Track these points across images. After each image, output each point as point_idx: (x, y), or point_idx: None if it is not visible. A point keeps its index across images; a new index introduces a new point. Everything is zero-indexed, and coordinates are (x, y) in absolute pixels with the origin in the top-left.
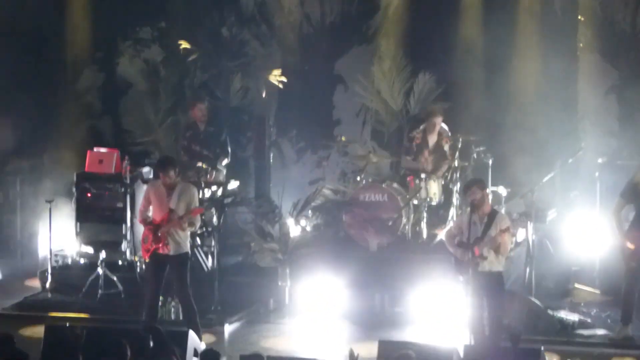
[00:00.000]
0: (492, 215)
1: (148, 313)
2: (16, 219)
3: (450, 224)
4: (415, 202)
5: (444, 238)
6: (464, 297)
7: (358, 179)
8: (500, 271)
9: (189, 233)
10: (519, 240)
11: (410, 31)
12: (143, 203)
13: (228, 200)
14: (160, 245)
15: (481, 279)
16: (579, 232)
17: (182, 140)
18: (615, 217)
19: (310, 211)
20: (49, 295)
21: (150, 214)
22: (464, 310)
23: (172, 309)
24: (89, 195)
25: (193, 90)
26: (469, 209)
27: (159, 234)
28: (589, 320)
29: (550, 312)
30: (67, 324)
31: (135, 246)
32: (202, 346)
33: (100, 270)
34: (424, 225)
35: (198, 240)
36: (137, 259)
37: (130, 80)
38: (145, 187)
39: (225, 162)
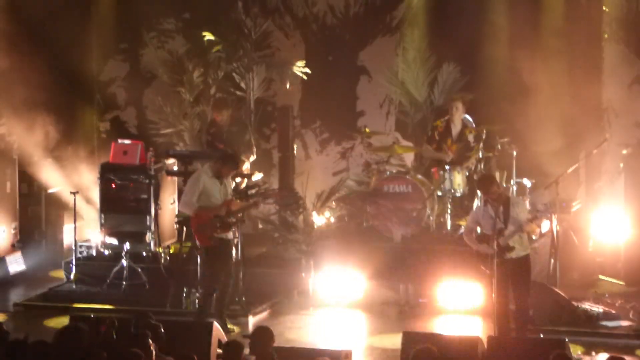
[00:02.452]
0: (506, 202)
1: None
2: (41, 210)
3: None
4: (440, 193)
5: (464, 236)
6: (488, 288)
7: (382, 170)
8: (527, 254)
9: None
10: (543, 231)
11: (434, 21)
12: (194, 192)
13: (252, 191)
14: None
15: (508, 266)
16: (604, 223)
17: (205, 135)
18: None
19: (334, 202)
20: (74, 286)
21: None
22: (489, 301)
23: (197, 300)
24: (113, 186)
25: (217, 81)
26: (480, 203)
27: (229, 221)
28: (613, 311)
29: (574, 303)
30: (92, 315)
31: (160, 237)
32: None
33: (124, 261)
34: (448, 216)
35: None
36: (161, 250)
37: (154, 71)
38: (169, 178)
39: (251, 158)
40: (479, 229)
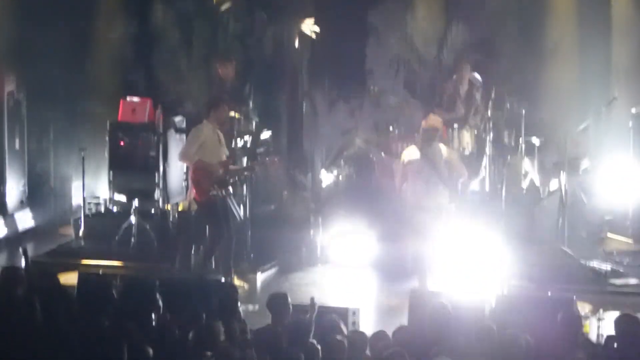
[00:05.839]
0: None
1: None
2: (50, 167)
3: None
4: None
5: None
6: None
7: (390, 129)
8: None
9: None
10: (551, 189)
11: None
12: (194, 143)
13: (260, 149)
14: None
15: None
16: (612, 182)
17: (212, 92)
18: None
19: (342, 161)
20: (82, 243)
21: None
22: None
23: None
24: (122, 144)
25: (226, 40)
26: None
27: (225, 178)
28: (621, 269)
29: (582, 261)
30: (100, 272)
31: (168, 194)
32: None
33: (133, 219)
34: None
35: (230, 189)
36: (169, 207)
37: (163, 29)
38: (177, 135)
39: (251, 114)
40: None
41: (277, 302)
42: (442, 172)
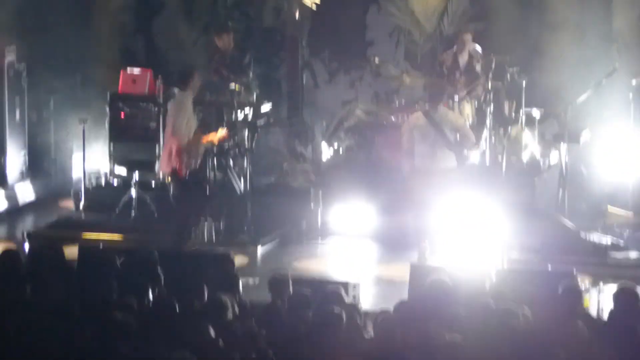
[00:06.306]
0: None
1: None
2: (50, 139)
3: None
4: None
5: None
6: None
7: (391, 100)
8: None
9: None
10: (552, 161)
11: None
12: (184, 116)
13: (261, 121)
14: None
15: None
16: (613, 154)
17: (212, 63)
18: None
19: (343, 132)
20: (83, 215)
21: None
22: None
23: (206, 230)
24: (122, 115)
25: (226, 10)
26: None
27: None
28: (621, 242)
29: (582, 234)
30: (101, 245)
31: None
32: None
33: (133, 191)
34: None
35: (231, 161)
36: (170, 180)
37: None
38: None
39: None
40: None
41: (278, 283)
42: (449, 136)
